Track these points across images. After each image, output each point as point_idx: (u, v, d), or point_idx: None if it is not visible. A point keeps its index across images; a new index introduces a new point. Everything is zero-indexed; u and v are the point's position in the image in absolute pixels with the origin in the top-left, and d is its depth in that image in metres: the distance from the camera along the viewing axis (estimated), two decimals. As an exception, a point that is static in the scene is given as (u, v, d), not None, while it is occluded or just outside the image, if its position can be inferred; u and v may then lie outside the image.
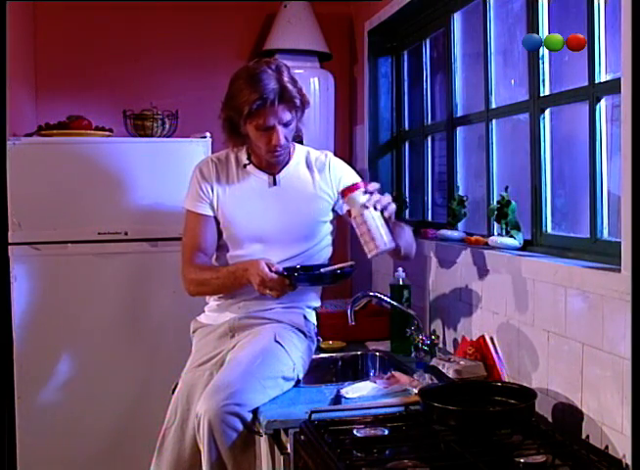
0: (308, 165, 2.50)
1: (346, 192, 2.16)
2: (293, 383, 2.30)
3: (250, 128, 2.33)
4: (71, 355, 3.03)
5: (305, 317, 2.52)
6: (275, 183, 2.45)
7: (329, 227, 2.55)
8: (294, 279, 2.31)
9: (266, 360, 2.22)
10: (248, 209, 2.45)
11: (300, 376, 2.35)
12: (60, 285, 3.03)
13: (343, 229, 2.96)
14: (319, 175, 2.49)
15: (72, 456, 3.03)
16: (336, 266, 2.41)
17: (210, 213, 2.46)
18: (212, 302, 2.53)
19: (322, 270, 2.40)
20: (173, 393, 2.37)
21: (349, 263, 2.43)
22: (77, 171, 3.02)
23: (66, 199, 3.01)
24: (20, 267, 2.96)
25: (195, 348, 2.50)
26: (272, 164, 2.44)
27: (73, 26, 3.55)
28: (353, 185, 2.17)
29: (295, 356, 2.33)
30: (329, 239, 2.56)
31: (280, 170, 2.46)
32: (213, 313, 2.52)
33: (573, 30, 2.08)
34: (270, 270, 2.27)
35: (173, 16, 3.66)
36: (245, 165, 2.46)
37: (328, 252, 2.57)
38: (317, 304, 2.60)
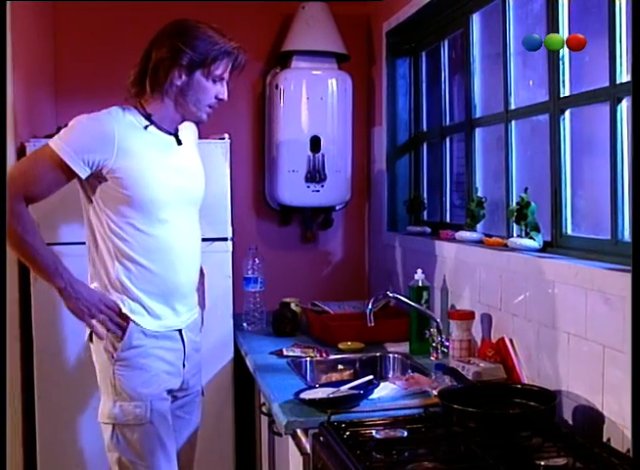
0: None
1: None
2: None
3: (198, 77, 2.25)
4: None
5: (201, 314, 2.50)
6: (180, 143, 2.34)
7: None
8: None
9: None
10: (164, 172, 2.27)
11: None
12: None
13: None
14: (191, 126, 2.47)
15: (91, 455, 3.03)
16: (356, 382, 2.27)
17: (82, 177, 2.20)
18: None
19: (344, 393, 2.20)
20: None
21: (369, 378, 2.32)
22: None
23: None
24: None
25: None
26: (176, 123, 2.33)
27: (93, 28, 3.57)
28: None
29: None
30: None
31: (177, 130, 2.36)
32: None
33: (594, 31, 2.07)
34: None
35: (193, 17, 3.66)
36: (146, 127, 2.27)
37: None
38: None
